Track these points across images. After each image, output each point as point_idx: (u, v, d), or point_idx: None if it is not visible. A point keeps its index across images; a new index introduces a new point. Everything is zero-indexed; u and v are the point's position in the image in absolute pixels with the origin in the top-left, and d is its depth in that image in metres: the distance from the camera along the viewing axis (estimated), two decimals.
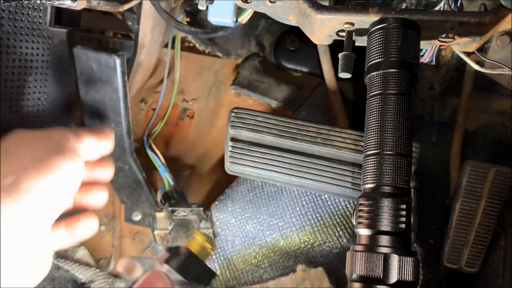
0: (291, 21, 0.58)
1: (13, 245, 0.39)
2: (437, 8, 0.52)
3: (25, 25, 0.59)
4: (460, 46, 0.54)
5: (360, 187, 0.46)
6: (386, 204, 0.42)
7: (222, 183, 0.87)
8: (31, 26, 0.60)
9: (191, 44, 0.99)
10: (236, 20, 0.72)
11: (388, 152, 0.43)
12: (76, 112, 0.73)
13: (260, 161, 0.66)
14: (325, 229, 0.72)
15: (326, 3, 0.50)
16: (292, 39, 0.92)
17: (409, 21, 0.46)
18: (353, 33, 0.51)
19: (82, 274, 0.75)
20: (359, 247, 0.43)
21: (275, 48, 0.95)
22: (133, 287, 0.35)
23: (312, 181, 0.65)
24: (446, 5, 0.52)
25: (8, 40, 0.57)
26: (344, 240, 0.72)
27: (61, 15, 0.64)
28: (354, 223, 0.45)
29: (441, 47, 0.68)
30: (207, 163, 0.92)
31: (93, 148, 0.48)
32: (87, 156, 0.48)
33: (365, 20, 0.48)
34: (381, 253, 0.41)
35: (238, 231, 0.77)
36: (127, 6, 0.65)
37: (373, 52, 0.47)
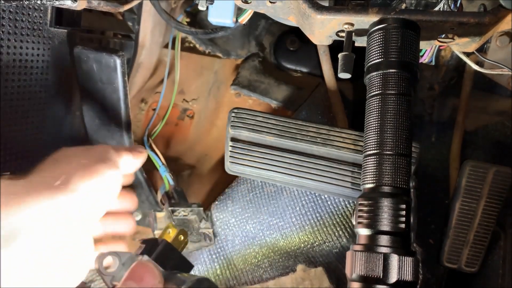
0: (291, 21, 0.58)
1: (63, 238, 0.43)
2: (436, 8, 0.52)
3: (25, 25, 0.59)
4: (460, 46, 0.54)
5: (360, 187, 0.46)
6: (385, 204, 0.42)
7: (222, 183, 0.87)
8: (32, 27, 0.60)
9: (191, 45, 0.99)
10: (236, 21, 0.73)
11: (387, 152, 0.44)
12: (77, 112, 0.73)
13: (260, 161, 0.67)
14: (325, 229, 0.73)
15: (326, 4, 0.50)
16: (292, 39, 0.92)
17: (409, 21, 0.46)
18: (353, 34, 0.51)
19: None
20: (359, 247, 0.43)
21: (275, 49, 0.95)
22: (122, 280, 0.35)
23: (312, 181, 0.65)
24: (445, 6, 0.52)
25: (8, 40, 0.57)
26: (344, 240, 0.72)
27: (61, 16, 0.65)
28: (354, 223, 0.45)
29: (441, 48, 0.68)
30: (207, 163, 0.93)
31: (129, 164, 0.53)
32: (125, 171, 0.53)
33: (364, 20, 0.48)
34: (381, 253, 0.41)
35: (238, 231, 0.77)
36: (127, 7, 0.65)
37: (373, 52, 0.47)
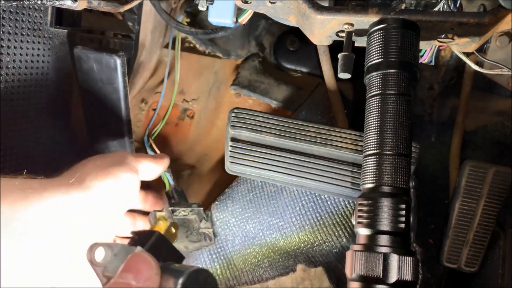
0: (291, 21, 0.58)
1: (76, 232, 0.45)
2: (436, 8, 0.53)
3: (25, 25, 0.59)
4: (460, 46, 0.54)
5: (359, 187, 0.47)
6: (385, 204, 0.42)
7: (222, 183, 0.87)
8: (32, 27, 0.60)
9: (191, 45, 0.99)
10: (236, 21, 0.73)
11: (387, 152, 0.44)
12: (77, 112, 0.73)
13: (260, 161, 0.67)
14: (324, 229, 0.73)
15: (326, 4, 0.50)
16: (292, 39, 0.92)
17: (409, 21, 0.46)
18: (353, 34, 0.51)
19: None
20: (358, 247, 0.43)
21: (275, 49, 0.95)
22: (118, 271, 0.35)
23: (312, 181, 0.65)
24: (445, 6, 0.52)
25: (8, 40, 0.57)
26: (344, 239, 0.72)
27: (61, 16, 0.65)
28: (354, 222, 0.45)
29: (441, 48, 0.68)
30: (207, 163, 0.93)
31: (150, 170, 0.55)
32: (145, 177, 0.54)
33: (364, 20, 0.48)
34: (381, 252, 0.41)
35: (238, 231, 0.77)
36: (127, 7, 0.65)
37: (373, 52, 0.47)
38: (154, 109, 0.95)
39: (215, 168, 0.92)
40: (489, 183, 0.70)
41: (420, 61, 0.67)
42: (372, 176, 0.44)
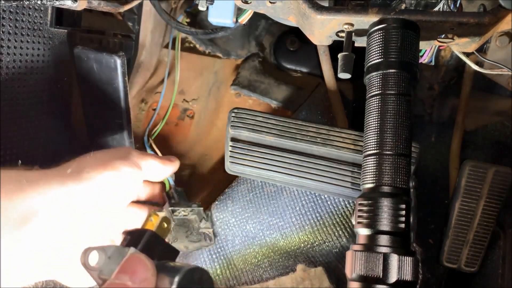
0: (291, 21, 0.58)
1: (74, 223, 0.44)
2: (436, 8, 0.53)
3: (25, 25, 0.59)
4: (460, 46, 0.54)
5: (359, 187, 0.47)
6: (385, 204, 0.42)
7: (222, 183, 0.87)
8: (32, 27, 0.60)
9: (192, 45, 0.99)
10: (236, 21, 0.73)
11: (387, 152, 0.44)
12: (77, 112, 0.73)
13: (260, 161, 0.67)
14: (324, 229, 0.73)
15: (326, 4, 0.50)
16: (292, 39, 0.92)
17: (409, 21, 0.46)
18: (353, 34, 0.51)
19: None
20: (358, 247, 0.43)
21: (275, 49, 0.95)
22: (114, 274, 0.35)
23: (311, 181, 0.65)
24: (445, 6, 0.52)
25: (8, 40, 0.57)
26: (344, 239, 0.72)
27: (61, 16, 0.65)
28: (354, 222, 0.45)
29: (441, 48, 0.68)
30: (207, 163, 0.93)
31: (156, 170, 0.54)
32: (150, 176, 0.54)
33: (364, 20, 0.48)
34: (381, 252, 0.41)
35: (238, 231, 0.77)
36: (127, 7, 0.65)
37: (373, 52, 0.47)
38: (154, 109, 0.95)
39: (215, 168, 0.92)
40: (489, 183, 0.70)
41: (420, 61, 0.67)
42: (372, 176, 0.44)
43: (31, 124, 0.63)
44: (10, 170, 0.42)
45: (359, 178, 0.47)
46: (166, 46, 0.96)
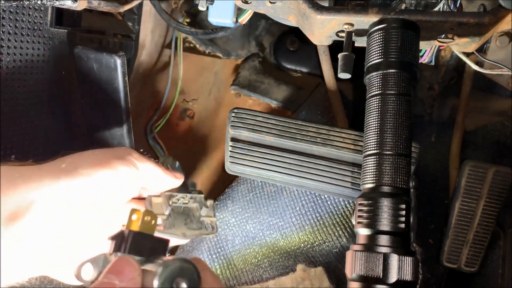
0: (291, 21, 0.58)
1: (66, 220, 0.43)
2: (436, 8, 0.53)
3: (26, 25, 0.59)
4: (460, 46, 0.54)
5: (359, 187, 0.47)
6: (385, 204, 0.42)
7: (222, 183, 0.87)
8: (32, 27, 0.60)
9: (192, 45, 0.99)
10: (236, 21, 0.73)
11: (387, 152, 0.44)
12: (77, 112, 0.73)
13: (260, 161, 0.67)
14: (324, 229, 0.73)
15: (326, 4, 0.50)
16: (292, 39, 0.92)
17: (409, 21, 0.46)
18: (353, 34, 0.51)
19: None
20: (358, 247, 0.43)
21: (275, 49, 0.95)
22: (102, 274, 0.35)
23: (312, 181, 0.65)
24: (445, 6, 0.52)
25: (8, 40, 0.57)
26: (344, 239, 0.72)
27: (61, 16, 0.65)
28: (354, 222, 0.45)
29: (441, 48, 0.68)
30: (207, 163, 0.93)
31: (155, 176, 0.52)
32: (149, 182, 0.52)
33: (364, 20, 0.48)
34: (381, 252, 0.41)
35: (238, 231, 0.77)
36: (127, 7, 0.65)
37: (373, 52, 0.47)
38: (156, 109, 0.95)
39: (215, 168, 0.92)
40: (489, 183, 0.70)
41: (420, 61, 0.67)
42: (372, 176, 0.44)
43: (31, 124, 0.63)
44: (3, 165, 0.42)
45: (359, 178, 0.47)
46: (167, 46, 0.96)
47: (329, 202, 0.73)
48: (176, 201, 0.55)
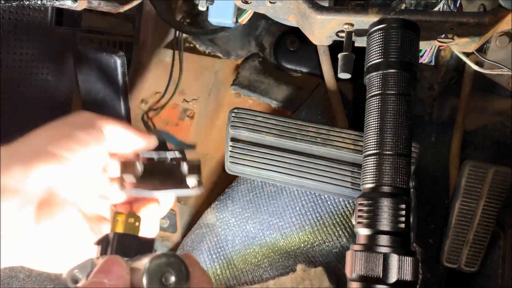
0: (291, 21, 0.58)
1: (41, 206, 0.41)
2: (436, 8, 0.53)
3: (26, 25, 0.59)
4: (460, 46, 0.54)
5: (359, 187, 0.47)
6: (385, 204, 0.42)
7: (222, 183, 0.87)
8: (32, 27, 0.60)
9: (192, 45, 0.99)
10: (236, 21, 0.73)
11: (387, 152, 0.44)
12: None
13: (260, 161, 0.67)
14: (324, 229, 0.73)
15: (326, 4, 0.50)
16: (292, 39, 0.92)
17: (409, 21, 0.46)
18: (353, 34, 0.51)
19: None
20: (358, 247, 0.43)
21: (275, 49, 0.95)
22: (92, 274, 0.36)
23: (312, 181, 0.65)
24: (445, 6, 0.52)
25: (9, 40, 0.57)
26: (344, 239, 0.72)
27: (62, 16, 0.65)
28: (354, 222, 0.45)
29: (440, 48, 0.68)
30: (207, 163, 0.93)
31: (123, 137, 0.49)
32: (117, 144, 0.49)
33: (364, 20, 0.48)
34: (381, 252, 0.41)
35: (238, 231, 0.77)
36: (127, 7, 0.65)
37: (373, 52, 0.47)
38: (155, 109, 0.95)
39: (215, 168, 0.92)
40: (489, 183, 0.70)
41: (420, 61, 0.67)
42: (372, 176, 0.44)
43: (31, 124, 0.63)
44: None
45: (359, 178, 0.47)
46: (167, 46, 0.96)
47: (329, 202, 0.73)
48: (152, 160, 0.51)
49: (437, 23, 0.48)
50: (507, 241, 0.70)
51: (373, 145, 0.45)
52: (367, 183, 0.45)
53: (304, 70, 0.93)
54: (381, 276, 0.40)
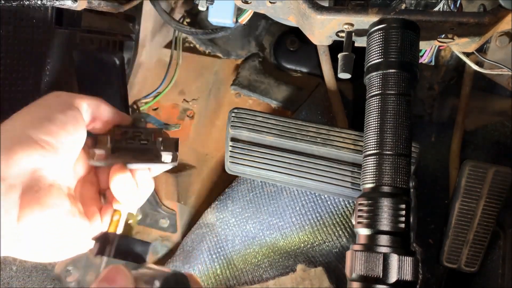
0: (291, 21, 0.58)
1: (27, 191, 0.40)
2: (436, 8, 0.53)
3: (25, 25, 0.59)
4: (460, 46, 0.54)
5: (359, 187, 0.47)
6: (385, 204, 0.42)
7: (222, 183, 0.87)
8: (32, 27, 0.60)
9: (192, 45, 0.99)
10: (236, 21, 0.73)
11: (387, 152, 0.44)
12: None
13: (260, 161, 0.67)
14: (324, 229, 0.73)
15: (326, 4, 0.50)
16: (292, 39, 0.92)
17: (409, 21, 0.46)
18: (353, 34, 0.51)
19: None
20: (358, 247, 0.43)
21: (275, 49, 0.95)
22: (96, 281, 0.36)
23: (312, 181, 0.66)
24: (445, 6, 0.52)
25: (8, 40, 0.57)
26: (344, 239, 0.72)
27: (61, 16, 0.65)
28: (354, 222, 0.45)
29: (441, 48, 0.68)
30: (207, 163, 0.93)
31: (96, 109, 0.48)
32: (95, 117, 0.48)
33: (364, 20, 0.48)
34: (381, 252, 0.41)
35: (238, 231, 0.77)
36: (127, 7, 0.65)
37: (373, 52, 0.47)
38: (155, 109, 0.95)
39: (215, 168, 0.92)
40: (489, 183, 0.70)
41: (420, 61, 0.67)
42: (372, 176, 0.44)
43: None
44: None
45: (359, 178, 0.47)
46: (166, 46, 0.96)
47: (329, 202, 0.73)
48: (126, 134, 0.50)
49: (437, 23, 0.48)
50: (507, 241, 0.70)
51: (373, 145, 0.45)
52: (367, 183, 0.45)
53: (304, 70, 0.93)
54: (381, 276, 0.40)
